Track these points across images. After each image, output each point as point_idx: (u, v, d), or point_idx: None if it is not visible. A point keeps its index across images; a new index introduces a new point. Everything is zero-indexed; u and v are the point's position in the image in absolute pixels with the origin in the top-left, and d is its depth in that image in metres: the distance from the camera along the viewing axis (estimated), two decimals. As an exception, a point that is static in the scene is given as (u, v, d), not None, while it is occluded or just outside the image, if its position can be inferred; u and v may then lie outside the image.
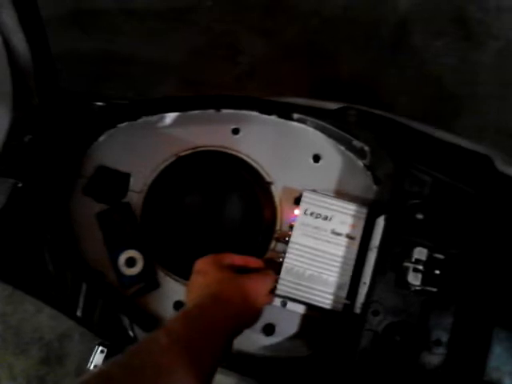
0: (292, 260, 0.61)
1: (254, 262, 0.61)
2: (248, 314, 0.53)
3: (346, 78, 1.25)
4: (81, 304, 0.66)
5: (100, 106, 0.76)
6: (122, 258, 0.64)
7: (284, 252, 0.62)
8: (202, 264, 0.57)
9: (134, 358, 0.43)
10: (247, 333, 0.61)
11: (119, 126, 0.69)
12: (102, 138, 0.69)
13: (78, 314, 0.67)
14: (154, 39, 1.27)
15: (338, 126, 0.66)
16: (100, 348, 0.75)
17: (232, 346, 0.51)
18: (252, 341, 0.63)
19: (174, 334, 0.45)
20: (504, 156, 0.64)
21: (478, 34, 1.25)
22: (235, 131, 0.69)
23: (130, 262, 0.64)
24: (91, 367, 0.69)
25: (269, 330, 0.63)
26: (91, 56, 1.26)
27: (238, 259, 0.59)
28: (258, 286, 0.55)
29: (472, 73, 1.23)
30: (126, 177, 0.68)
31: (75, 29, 1.27)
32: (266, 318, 0.63)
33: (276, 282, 0.60)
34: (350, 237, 0.62)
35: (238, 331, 0.52)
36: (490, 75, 1.22)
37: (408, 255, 0.55)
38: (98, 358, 0.72)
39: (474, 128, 1.21)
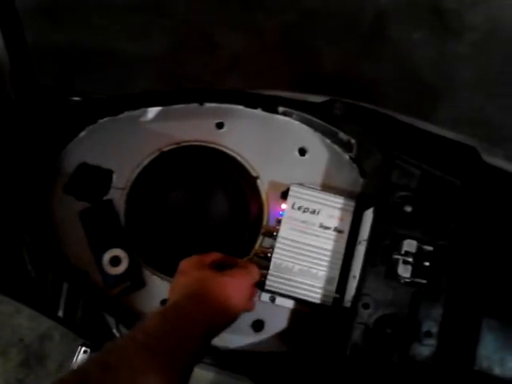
0: (280, 255, 0.61)
1: (237, 260, 0.61)
2: (228, 312, 0.52)
3: (325, 70, 1.24)
4: (62, 304, 0.65)
5: (77, 101, 0.74)
6: (106, 256, 0.62)
7: (272, 247, 0.62)
8: (184, 264, 0.56)
9: (111, 356, 0.42)
10: (236, 329, 0.61)
11: (100, 121, 0.67)
12: (82, 134, 0.67)
13: (60, 314, 0.65)
14: (131, 32, 1.24)
15: (323, 119, 0.65)
16: (83, 348, 0.73)
17: (210, 344, 0.51)
18: (241, 337, 0.62)
19: (151, 333, 0.45)
20: (486, 145, 0.65)
21: (454, 26, 1.26)
22: (219, 125, 0.67)
23: (115, 261, 0.62)
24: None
25: (258, 325, 0.62)
26: (66, 50, 1.23)
27: (221, 257, 0.59)
28: (238, 282, 0.55)
29: (448, 64, 1.24)
30: (109, 173, 0.66)
31: (49, 22, 1.23)
32: (254, 313, 0.62)
33: (260, 275, 0.59)
34: (338, 230, 0.61)
35: (218, 329, 0.52)
36: (465, 66, 1.24)
37: (397, 248, 0.55)
38: (81, 358, 0.71)
39: (450, 119, 1.22)
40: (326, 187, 0.66)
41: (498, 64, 1.24)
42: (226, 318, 0.52)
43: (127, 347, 0.43)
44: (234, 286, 0.54)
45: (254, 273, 0.58)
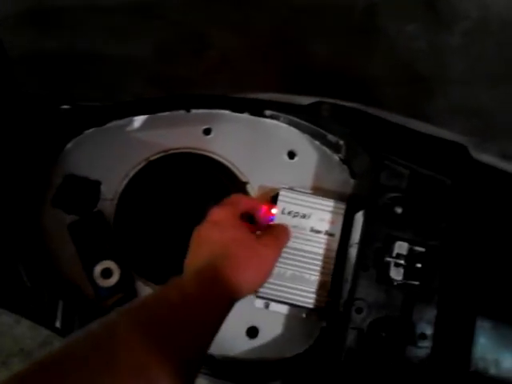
0: (272, 261, 0.60)
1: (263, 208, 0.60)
2: (258, 283, 0.52)
3: (317, 66, 1.23)
4: (59, 315, 0.65)
5: (66, 109, 0.74)
6: (98, 269, 0.62)
7: (264, 253, 0.61)
8: (219, 215, 0.53)
9: (143, 313, 0.41)
10: (231, 337, 0.61)
11: (86, 132, 0.67)
12: (69, 146, 0.67)
13: (57, 325, 0.65)
14: (120, 36, 1.23)
15: (311, 121, 0.64)
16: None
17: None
18: (236, 345, 0.62)
19: (187, 293, 0.43)
20: (478, 141, 0.64)
21: (446, 16, 1.24)
22: (207, 131, 0.67)
23: (106, 273, 0.62)
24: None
25: (252, 332, 0.62)
26: (55, 56, 1.21)
27: (251, 206, 0.58)
28: (273, 253, 0.53)
29: (442, 55, 1.23)
30: (97, 185, 0.65)
31: (36, 27, 1.21)
32: (249, 320, 0.62)
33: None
34: (329, 234, 0.61)
35: (237, 301, 0.49)
36: (459, 56, 1.22)
37: (389, 250, 0.54)
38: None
39: (445, 110, 1.21)
40: (317, 189, 0.65)
41: (492, 52, 1.22)
42: (255, 287, 0.52)
43: (161, 305, 0.41)
44: (269, 256, 0.52)
45: (286, 239, 0.58)
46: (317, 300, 0.60)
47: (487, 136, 0.69)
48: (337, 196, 0.63)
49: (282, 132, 0.67)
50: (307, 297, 0.60)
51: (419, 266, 0.53)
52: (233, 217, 0.53)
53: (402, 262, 0.53)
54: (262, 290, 0.60)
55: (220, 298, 0.46)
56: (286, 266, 0.60)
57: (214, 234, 0.51)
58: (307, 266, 0.60)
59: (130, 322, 0.39)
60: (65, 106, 0.73)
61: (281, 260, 0.60)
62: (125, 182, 0.65)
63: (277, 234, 0.56)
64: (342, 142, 0.63)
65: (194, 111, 0.67)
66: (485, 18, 1.28)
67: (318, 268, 0.60)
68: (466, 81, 1.28)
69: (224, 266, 0.48)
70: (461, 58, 1.29)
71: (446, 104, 1.27)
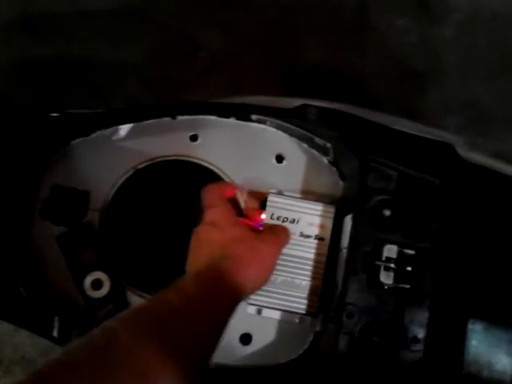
0: (262, 267, 0.60)
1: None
2: (261, 280, 0.51)
3: (309, 65, 1.22)
4: (56, 324, 0.64)
5: (55, 117, 0.73)
6: (88, 280, 0.62)
7: (254, 259, 0.60)
8: (216, 215, 0.52)
9: (142, 317, 0.40)
10: (224, 344, 0.60)
11: (73, 142, 0.66)
12: (55, 157, 0.66)
13: (55, 334, 0.65)
14: (111, 40, 1.22)
15: (298, 124, 0.64)
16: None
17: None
18: (229, 352, 0.61)
19: (187, 295, 0.43)
20: (470, 137, 0.63)
21: (437, 9, 1.23)
22: (193, 138, 0.66)
23: (97, 285, 0.62)
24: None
25: (246, 339, 0.62)
26: (46, 62, 1.21)
27: (230, 191, 0.57)
28: (274, 250, 0.53)
29: (434, 48, 1.21)
30: (85, 195, 0.65)
31: (26, 34, 1.21)
32: (241, 327, 0.61)
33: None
34: (319, 238, 0.60)
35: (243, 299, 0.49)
36: (451, 49, 1.21)
37: (378, 254, 0.53)
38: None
39: (439, 104, 1.20)
40: (307, 193, 0.64)
41: (484, 44, 1.21)
42: (258, 285, 0.51)
43: (161, 310, 0.40)
44: (270, 253, 0.52)
45: (286, 239, 0.57)
46: (308, 305, 0.59)
47: (481, 130, 0.68)
48: (327, 198, 0.63)
49: (269, 136, 0.66)
50: (299, 302, 0.59)
51: (409, 269, 0.53)
52: (230, 215, 0.53)
53: (392, 265, 0.53)
54: (253, 296, 0.59)
55: (222, 298, 0.46)
56: (276, 272, 0.60)
57: (214, 234, 0.51)
58: (298, 271, 0.60)
59: (130, 328, 0.39)
60: (54, 114, 0.73)
61: (271, 266, 0.60)
62: (113, 191, 0.65)
63: (277, 232, 0.56)
64: (329, 145, 0.62)
65: (179, 118, 0.67)
66: (476, 10, 1.27)
67: (309, 273, 0.60)
68: (459, 73, 1.26)
69: (225, 267, 0.47)
70: (453, 51, 1.27)
71: (440, 98, 1.25)
